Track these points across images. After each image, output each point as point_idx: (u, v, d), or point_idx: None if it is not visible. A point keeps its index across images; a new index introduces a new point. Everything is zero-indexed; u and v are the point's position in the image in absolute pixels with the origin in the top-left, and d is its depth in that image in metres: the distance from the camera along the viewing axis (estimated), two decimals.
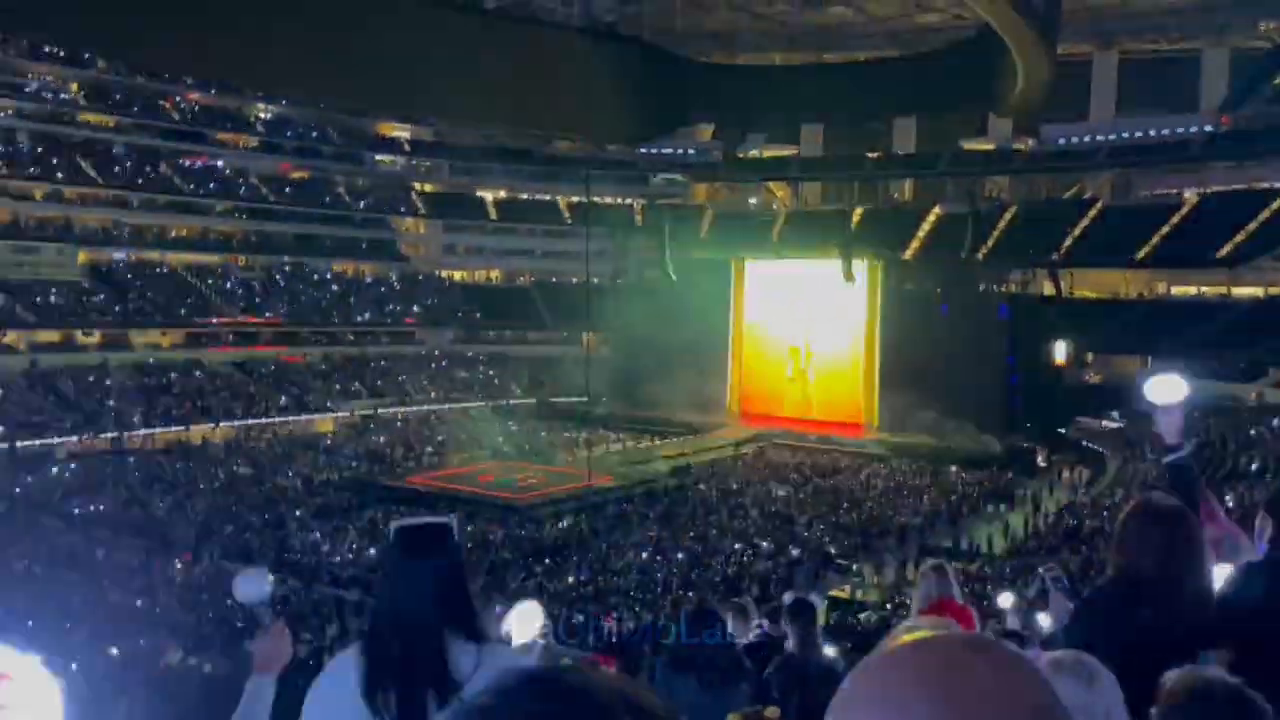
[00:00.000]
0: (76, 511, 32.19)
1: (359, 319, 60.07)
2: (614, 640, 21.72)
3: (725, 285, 54.05)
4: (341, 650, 2.33)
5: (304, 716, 2.23)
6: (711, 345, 51.93)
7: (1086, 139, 62.52)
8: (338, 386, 53.94)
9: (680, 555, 27.71)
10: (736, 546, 28.77)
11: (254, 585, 2.65)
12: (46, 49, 52.23)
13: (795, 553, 28.52)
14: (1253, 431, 34.77)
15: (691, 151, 73.77)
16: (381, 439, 46.84)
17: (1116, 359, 51.40)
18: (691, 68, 70.89)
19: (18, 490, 34.46)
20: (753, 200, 75.75)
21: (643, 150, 72.48)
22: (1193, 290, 54.82)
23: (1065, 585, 4.39)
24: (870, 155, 70.40)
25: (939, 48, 63.28)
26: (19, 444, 39.48)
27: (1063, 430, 44.90)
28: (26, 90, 53.39)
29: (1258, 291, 51.65)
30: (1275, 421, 34.69)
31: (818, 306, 50.41)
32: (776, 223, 70.28)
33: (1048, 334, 46.55)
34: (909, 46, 67.39)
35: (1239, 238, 52.39)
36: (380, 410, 52.31)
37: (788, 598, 6.48)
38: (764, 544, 28.96)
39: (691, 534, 30.30)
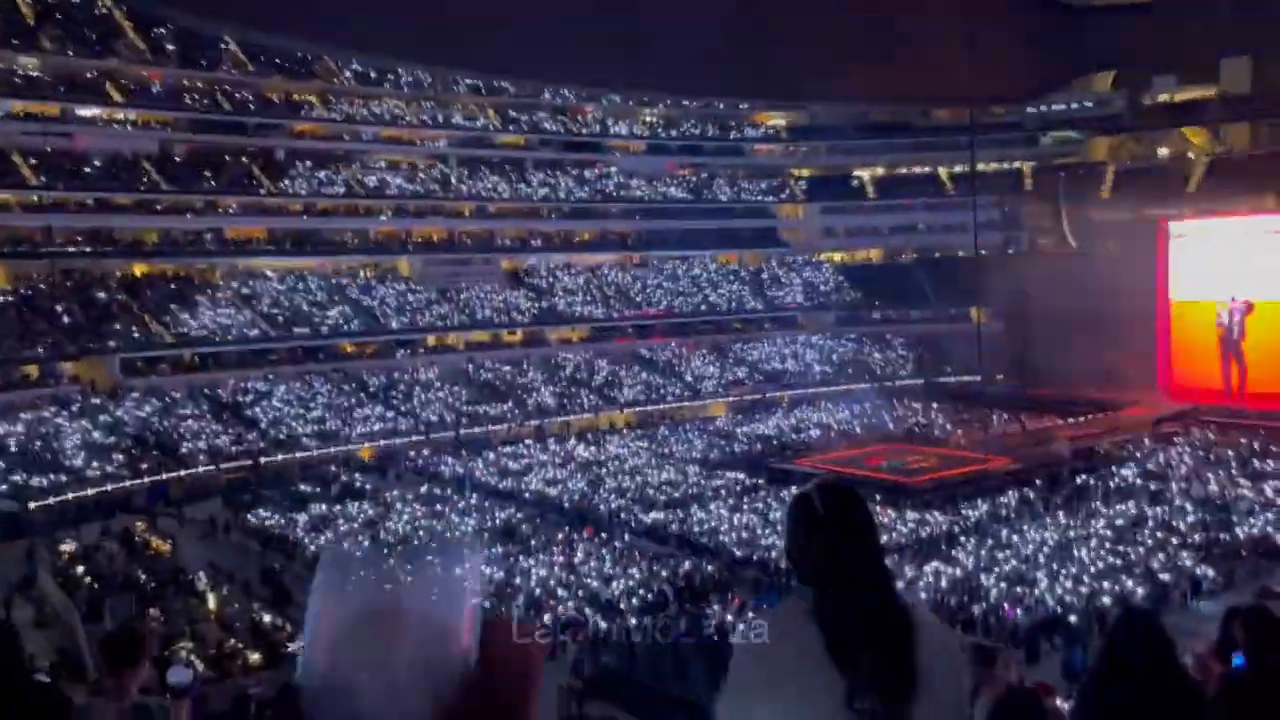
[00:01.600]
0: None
1: (746, 307, 62.03)
2: (1016, 632, 20.82)
3: (1135, 247, 48.97)
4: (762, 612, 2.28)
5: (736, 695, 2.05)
6: (1123, 314, 47.32)
7: None
8: (727, 372, 56.14)
9: (1090, 544, 25.73)
10: (1159, 535, 26.18)
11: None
12: (467, 80, 59.27)
13: (1225, 539, 25.41)
14: None
15: (1089, 105, 67.67)
16: (770, 422, 48.09)
17: None
18: (1085, 10, 64.82)
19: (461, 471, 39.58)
20: (1163, 151, 67.90)
21: (1030, 110, 67.69)
22: None
23: None
24: None
25: None
26: (461, 432, 45.35)
27: None
28: (453, 121, 61.11)
29: None
30: None
31: (1256, 264, 44.17)
32: (1194, 173, 62.50)
33: None
34: None
35: None
36: (768, 395, 53.68)
37: (1238, 602, 5.61)
38: (1193, 537, 26.06)
39: (1102, 521, 28.00)
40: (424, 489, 36.30)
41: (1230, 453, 35.53)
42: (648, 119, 68.06)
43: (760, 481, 35.62)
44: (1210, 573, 23.30)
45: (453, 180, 59.83)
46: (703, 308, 61.33)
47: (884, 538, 26.61)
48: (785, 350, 59.20)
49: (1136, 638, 3.24)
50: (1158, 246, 48.50)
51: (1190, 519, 27.49)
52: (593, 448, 43.81)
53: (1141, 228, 49.66)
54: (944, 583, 23.71)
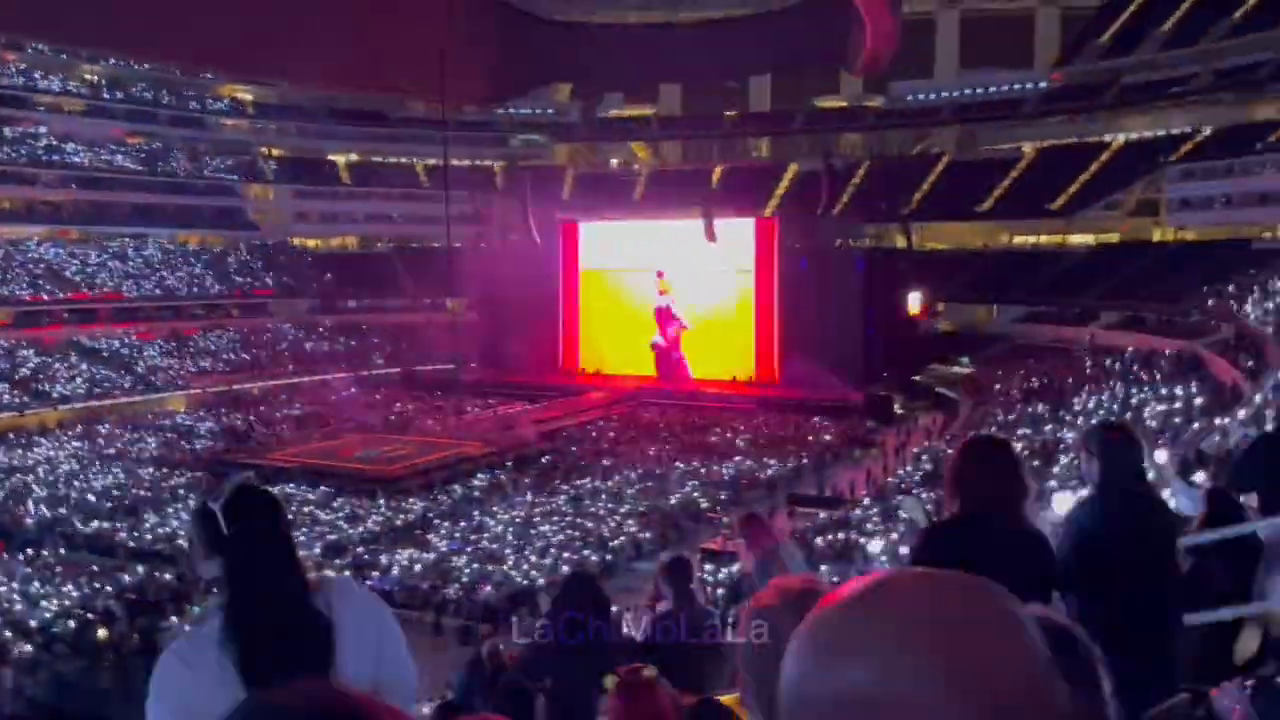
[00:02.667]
0: None
1: (209, 291, 57.34)
2: (488, 608, 21.66)
3: (588, 246, 53.77)
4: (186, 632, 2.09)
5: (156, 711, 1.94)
6: (579, 308, 51.76)
7: (932, 96, 64.81)
8: (187, 363, 51.43)
9: (553, 520, 27.70)
10: (610, 506, 28.95)
11: None
12: None
13: (667, 509, 28.89)
14: (1088, 370, 36.91)
15: (550, 111, 73.02)
16: (237, 417, 45.02)
17: (966, 308, 53.84)
18: (548, 27, 69.86)
19: None
20: (614, 160, 75.63)
21: (501, 111, 71.37)
22: (1031, 240, 57.77)
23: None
24: (728, 114, 71.19)
25: (792, 6, 64.14)
26: None
27: (917, 377, 46.77)
28: None
29: (1090, 239, 54.82)
30: (1108, 361, 36.93)
31: (683, 264, 50.74)
32: (639, 182, 70.44)
33: (901, 286, 48.23)
34: (761, 4, 68.07)
35: (1072, 189, 55.39)
36: (235, 386, 50.16)
37: (664, 557, 6.54)
38: (638, 504, 29.22)
39: (564, 498, 30.32)
40: None
41: (668, 431, 40.47)
42: (88, 76, 59.88)
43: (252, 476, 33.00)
44: (648, 535, 26.27)
45: None
46: (158, 291, 55.52)
47: (358, 529, 26.20)
48: (254, 339, 55.78)
49: (577, 595, 3.89)
50: (600, 247, 53.36)
51: (633, 490, 30.83)
52: (18, 451, 37.57)
53: (590, 228, 54.45)
54: (418, 568, 23.98)
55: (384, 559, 24.72)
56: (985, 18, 68.28)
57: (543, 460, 35.69)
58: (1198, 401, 26.14)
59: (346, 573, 23.68)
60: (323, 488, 31.89)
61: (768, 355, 48.40)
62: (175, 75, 62.41)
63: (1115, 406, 29.00)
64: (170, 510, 29.36)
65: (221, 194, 62.47)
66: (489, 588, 22.46)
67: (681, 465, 34.03)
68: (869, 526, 24.57)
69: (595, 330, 52.88)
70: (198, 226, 61.09)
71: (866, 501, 28.41)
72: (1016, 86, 62.16)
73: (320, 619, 1.98)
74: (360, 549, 25.68)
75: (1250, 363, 27.73)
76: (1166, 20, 56.93)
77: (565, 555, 24.19)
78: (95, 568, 24.38)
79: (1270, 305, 29.94)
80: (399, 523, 28.26)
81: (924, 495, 23.37)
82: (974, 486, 2.88)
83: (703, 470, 33.23)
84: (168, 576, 23.64)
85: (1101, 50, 59.77)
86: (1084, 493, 3.32)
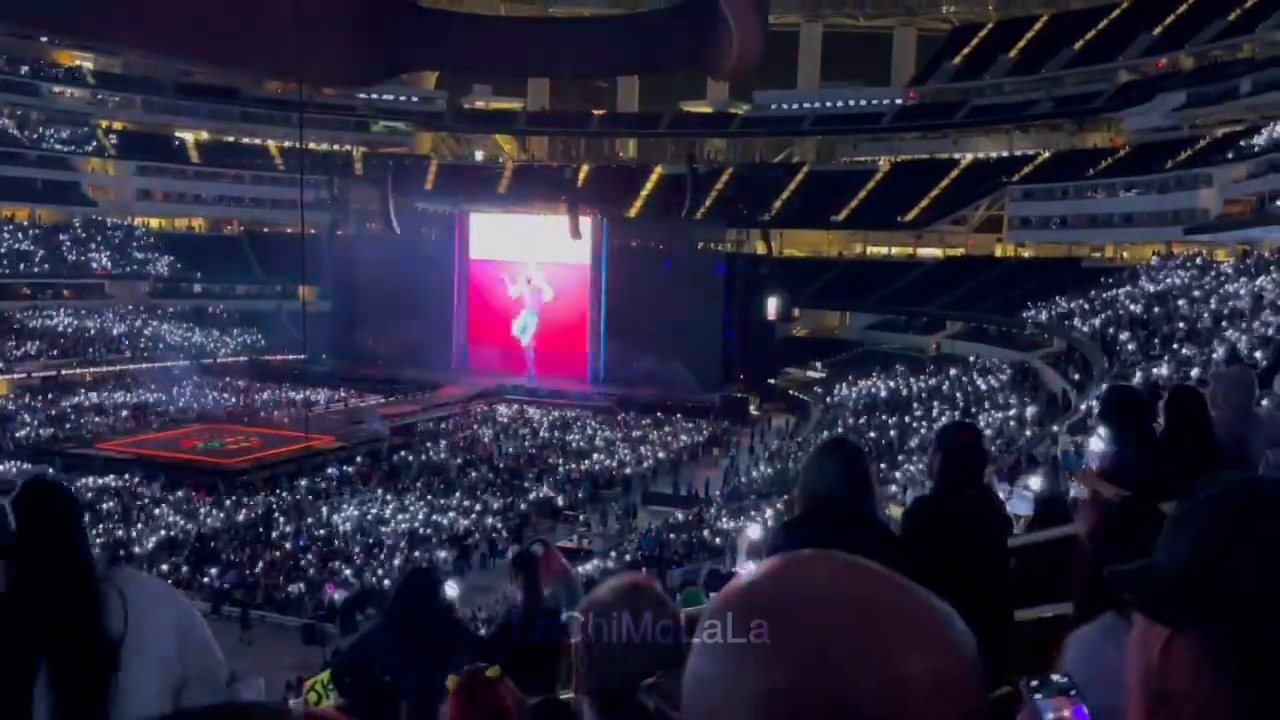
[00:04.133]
0: None
1: (37, 269, 53.62)
2: (334, 608, 21.01)
3: (450, 238, 52.89)
4: None
5: None
6: (436, 300, 50.78)
7: (794, 106, 66.55)
8: (12, 344, 47.93)
9: (404, 516, 27.08)
10: (466, 503, 28.51)
11: None
12: None
13: (523, 507, 28.67)
14: (931, 380, 38.57)
15: (415, 99, 71.48)
16: (66, 404, 42.26)
17: (820, 314, 55.51)
18: (416, 11, 68.27)
19: None
20: (479, 153, 74.67)
21: (362, 95, 69.38)
22: (884, 251, 60.08)
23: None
24: (596, 112, 71.31)
25: (660, 7, 64.72)
26: None
27: (773, 380, 47.91)
28: None
29: (938, 252, 57.41)
30: (951, 370, 38.69)
31: (544, 260, 50.50)
32: (504, 176, 69.74)
33: (760, 290, 49.34)
34: (631, 5, 68.50)
35: (922, 204, 57.87)
36: (64, 372, 47.08)
37: (512, 552, 6.57)
38: (493, 501, 28.87)
39: (417, 494, 29.69)
40: None
41: (526, 429, 40.18)
42: None
43: (51, 470, 30.97)
44: (504, 532, 26.02)
45: None
46: None
47: (192, 526, 24.97)
48: (89, 322, 52.42)
49: (416, 590, 3.97)
50: (465, 239, 52.63)
51: (489, 487, 30.46)
52: None
53: (455, 219, 53.59)
54: (259, 565, 23.05)
55: (225, 555, 23.65)
56: (846, 33, 70.64)
57: (395, 456, 34.84)
58: (1030, 411, 27.70)
59: (183, 569, 22.58)
60: (161, 480, 30.30)
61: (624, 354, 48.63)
62: (6, 39, 58.06)
63: (956, 413, 30.42)
64: None
65: (55, 166, 58.49)
66: (335, 587, 21.78)
67: (539, 463, 33.84)
68: (721, 525, 24.99)
69: (475, 325, 52.19)
70: (28, 200, 56.99)
71: (719, 499, 28.91)
72: (874, 101, 64.48)
73: (101, 621, 2.03)
74: (198, 544, 24.50)
75: (1077, 375, 29.57)
76: (1013, 47, 60.16)
77: (417, 554, 23.67)
78: None
79: (1096, 321, 31.98)
80: (240, 518, 27.09)
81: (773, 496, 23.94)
82: (823, 486, 2.91)
83: (561, 468, 33.13)
84: None
85: (953, 72, 62.67)
86: (924, 489, 3.42)
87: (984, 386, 34.10)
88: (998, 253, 55.42)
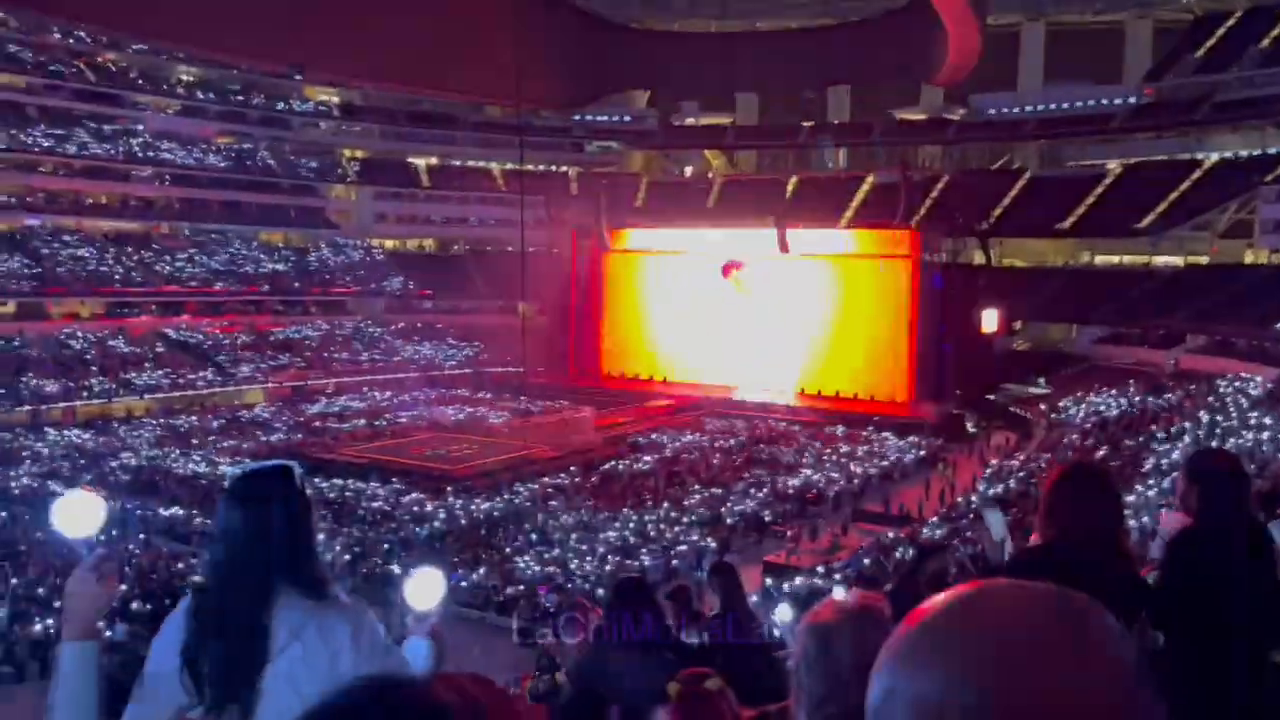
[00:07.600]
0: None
1: (289, 288, 58.72)
2: (547, 612, 21.70)
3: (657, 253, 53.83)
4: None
5: (144, 678, 2.14)
6: (646, 316, 51.80)
7: (1015, 109, 63.44)
8: (267, 357, 52.71)
9: (615, 525, 27.70)
10: (673, 514, 28.86)
11: (81, 512, 2.06)
12: None
13: (730, 520, 28.71)
14: (1170, 397, 35.76)
15: (627, 119, 73.36)
16: (311, 410, 46.01)
17: (1044, 327, 52.58)
18: (626, 34, 70.40)
19: None
20: (689, 169, 75.64)
21: (577, 117, 71.94)
22: (1115, 259, 56.18)
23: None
24: (805, 124, 70.68)
25: (871, 16, 63.52)
26: None
27: (991, 397, 45.80)
28: None
29: (1177, 261, 53.10)
30: (1192, 386, 35.74)
31: (754, 273, 50.48)
32: (712, 191, 70.31)
33: (977, 302, 47.33)
34: (842, 15, 67.60)
35: (1160, 208, 53.74)
36: (310, 381, 51.30)
37: (710, 562, 6.66)
38: (699, 511, 29.08)
39: (627, 504, 30.31)
40: None
41: (732, 441, 40.24)
42: (184, 78, 61.88)
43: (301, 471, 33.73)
44: (712, 544, 26.12)
45: None
46: (242, 287, 57.03)
47: (424, 527, 26.42)
48: (332, 336, 56.94)
49: (631, 596, 4.12)
50: (668, 254, 53.40)
51: (696, 499, 30.68)
52: (103, 437, 38.97)
53: (663, 234, 54.47)
54: (482, 569, 24.17)
55: (450, 558, 24.95)
56: (1073, 30, 66.71)
57: (605, 466, 35.73)
58: None
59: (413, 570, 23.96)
60: (393, 483, 32.39)
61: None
62: (265, 78, 64.07)
63: (1200, 433, 28.04)
64: None
65: (305, 194, 64.02)
66: (550, 590, 22.54)
67: (746, 476, 33.79)
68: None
69: (683, 340, 52.83)
70: (282, 225, 62.62)
71: (934, 520, 27.87)
72: (1104, 101, 60.50)
73: (260, 633, 2.04)
74: (425, 547, 26.01)
75: None
76: (1264, 36, 55.00)
77: (626, 562, 24.17)
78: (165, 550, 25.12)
79: None
80: (464, 522, 28.54)
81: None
82: (1068, 516, 2.78)
83: (767, 482, 32.94)
84: None
85: (1195, 65, 57.97)
86: (1177, 521, 3.15)
87: (1231, 405, 31.26)
88: (1248, 260, 50.71)
